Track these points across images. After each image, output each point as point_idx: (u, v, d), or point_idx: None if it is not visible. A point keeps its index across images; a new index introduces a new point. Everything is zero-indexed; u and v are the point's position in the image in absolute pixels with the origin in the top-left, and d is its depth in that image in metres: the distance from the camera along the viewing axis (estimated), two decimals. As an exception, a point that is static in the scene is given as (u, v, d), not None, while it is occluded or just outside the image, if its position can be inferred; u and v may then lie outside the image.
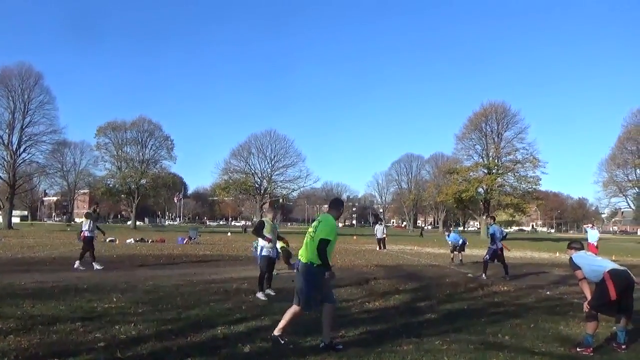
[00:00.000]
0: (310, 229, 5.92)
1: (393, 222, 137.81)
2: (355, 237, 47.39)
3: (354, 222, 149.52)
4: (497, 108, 61.40)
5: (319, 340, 5.67)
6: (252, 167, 67.84)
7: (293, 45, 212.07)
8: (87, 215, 14.23)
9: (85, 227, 13.94)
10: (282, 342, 5.60)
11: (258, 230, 9.53)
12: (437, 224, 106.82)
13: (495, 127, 61.49)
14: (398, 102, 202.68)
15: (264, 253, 9.55)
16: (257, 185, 67.75)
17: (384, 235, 28.66)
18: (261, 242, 9.60)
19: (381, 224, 30.87)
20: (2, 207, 57.30)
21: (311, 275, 5.66)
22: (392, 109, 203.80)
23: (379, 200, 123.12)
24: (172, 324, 6.63)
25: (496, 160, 61.01)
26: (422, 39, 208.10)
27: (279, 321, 5.82)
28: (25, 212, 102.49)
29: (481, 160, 62.41)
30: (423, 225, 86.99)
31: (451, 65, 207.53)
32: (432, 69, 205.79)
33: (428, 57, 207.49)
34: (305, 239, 5.93)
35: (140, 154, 68.96)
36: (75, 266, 13.34)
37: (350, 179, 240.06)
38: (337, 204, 6.25)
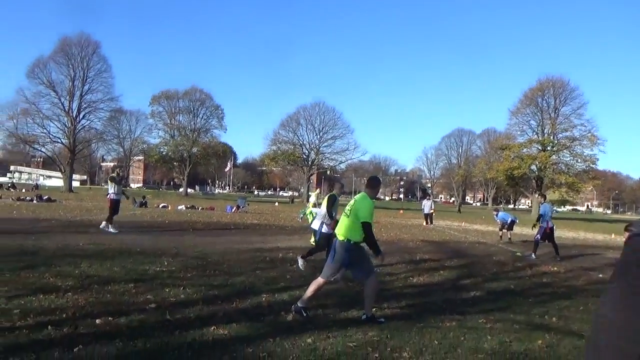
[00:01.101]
0: (347, 207, 5.91)
1: (441, 198, 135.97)
2: (401, 212, 47.13)
3: (401, 196, 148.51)
4: (554, 82, 58.61)
5: (361, 313, 5.72)
6: (300, 138, 68.09)
7: (341, 20, 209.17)
8: (112, 179, 14.51)
9: (111, 190, 14.26)
10: (305, 314, 5.60)
11: (331, 208, 9.10)
12: (487, 200, 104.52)
13: (552, 102, 58.86)
14: (450, 76, 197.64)
15: (324, 230, 9.20)
16: (304, 157, 68.08)
17: (432, 211, 28.36)
18: (321, 216, 9.33)
19: (429, 199, 30.56)
20: (63, 171, 60.36)
21: (347, 252, 5.65)
22: (444, 83, 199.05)
23: (428, 174, 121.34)
24: (218, 289, 6.84)
25: (551, 137, 58.60)
26: (477, 11, 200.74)
27: (316, 292, 5.81)
28: (85, 177, 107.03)
29: (535, 136, 60.11)
30: (460, 200, 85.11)
31: (507, 37, 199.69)
32: (486, 41, 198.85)
33: (482, 28, 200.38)
34: (342, 216, 5.95)
35: (192, 122, 70.45)
36: (101, 226, 13.78)
37: (399, 153, 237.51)
38: (373, 183, 6.13)
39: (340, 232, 5.77)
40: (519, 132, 62.35)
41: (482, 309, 6.61)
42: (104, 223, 13.93)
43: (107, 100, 61.12)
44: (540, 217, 13.94)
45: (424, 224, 27.36)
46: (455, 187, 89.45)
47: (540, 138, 59.29)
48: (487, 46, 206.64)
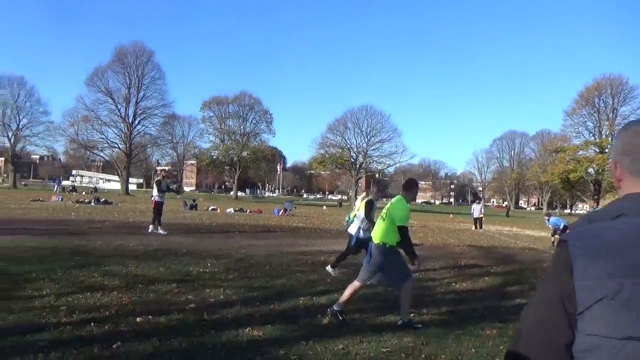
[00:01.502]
0: (383, 210, 5.86)
1: (493, 202, 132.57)
2: (451, 216, 46.24)
3: (452, 200, 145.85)
4: (612, 81, 56.06)
5: (398, 318, 5.65)
6: (348, 141, 68.03)
7: (390, 20, 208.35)
8: (157, 183, 14.99)
9: (155, 193, 14.71)
10: (341, 318, 5.57)
11: (369, 213, 8.86)
12: (542, 205, 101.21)
13: (610, 102, 56.36)
14: (501, 76, 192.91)
15: (360, 235, 8.88)
16: (352, 160, 68.01)
17: (481, 215, 27.65)
18: (358, 221, 9.13)
19: (479, 202, 29.82)
20: (120, 174, 62.81)
21: (382, 256, 5.60)
22: (495, 83, 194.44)
23: (479, 178, 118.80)
24: (258, 291, 6.93)
25: (609, 139, 56.08)
26: (532, 10, 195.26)
27: (352, 296, 5.78)
28: (141, 180, 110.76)
29: (592, 138, 57.79)
30: (511, 205, 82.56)
31: (560, 34, 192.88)
32: (538, 40, 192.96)
33: (533, 26, 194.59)
34: (378, 219, 5.90)
35: (242, 127, 71.91)
36: (150, 230, 14.21)
37: (449, 156, 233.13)
38: (410, 185, 6.07)
39: (376, 236, 5.73)
40: (574, 134, 60.27)
41: (525, 317, 6.38)
42: (151, 227, 14.38)
43: (161, 107, 63.34)
44: None
45: (473, 228, 26.75)
46: (507, 191, 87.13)
47: (597, 140, 56.90)
48: (539, 45, 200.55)
